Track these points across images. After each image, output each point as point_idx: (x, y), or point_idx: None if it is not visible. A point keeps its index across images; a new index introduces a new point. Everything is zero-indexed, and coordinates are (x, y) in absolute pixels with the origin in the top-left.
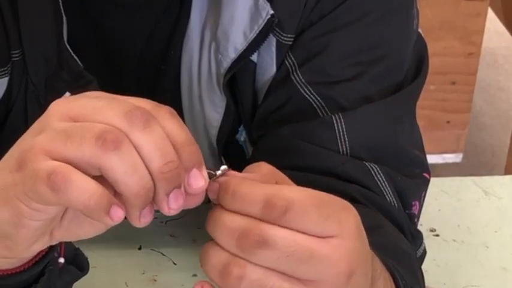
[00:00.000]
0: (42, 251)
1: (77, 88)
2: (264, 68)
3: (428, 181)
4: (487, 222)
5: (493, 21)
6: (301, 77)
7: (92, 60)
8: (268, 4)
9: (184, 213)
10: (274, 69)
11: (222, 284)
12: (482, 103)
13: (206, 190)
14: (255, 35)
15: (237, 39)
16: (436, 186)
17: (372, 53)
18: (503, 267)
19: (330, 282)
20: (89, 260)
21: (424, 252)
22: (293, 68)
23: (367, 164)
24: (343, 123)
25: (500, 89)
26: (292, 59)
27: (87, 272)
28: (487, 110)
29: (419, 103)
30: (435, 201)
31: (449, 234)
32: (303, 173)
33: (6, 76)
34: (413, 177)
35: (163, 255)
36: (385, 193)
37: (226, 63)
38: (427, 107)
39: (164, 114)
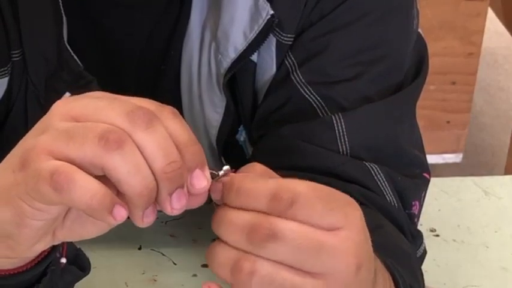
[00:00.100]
0: (44, 251)
1: (77, 88)
2: (264, 68)
3: (428, 181)
4: (487, 222)
5: (493, 21)
6: (301, 77)
7: (92, 60)
8: (268, 4)
9: (185, 213)
10: (274, 69)
11: (233, 281)
12: (482, 103)
13: (209, 190)
14: (255, 35)
15: (237, 39)
16: (436, 186)
17: (372, 53)
18: (503, 267)
19: (339, 275)
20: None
21: (424, 252)
22: (293, 68)
23: (367, 164)
24: (343, 123)
25: (500, 89)
26: (292, 59)
27: (88, 272)
28: (487, 110)
29: (419, 103)
30: (435, 201)
31: (449, 234)
32: (303, 173)
33: (6, 76)
34: (414, 177)
35: (163, 255)
36: (385, 193)
37: (226, 63)
38: (427, 107)
39: (167, 114)
